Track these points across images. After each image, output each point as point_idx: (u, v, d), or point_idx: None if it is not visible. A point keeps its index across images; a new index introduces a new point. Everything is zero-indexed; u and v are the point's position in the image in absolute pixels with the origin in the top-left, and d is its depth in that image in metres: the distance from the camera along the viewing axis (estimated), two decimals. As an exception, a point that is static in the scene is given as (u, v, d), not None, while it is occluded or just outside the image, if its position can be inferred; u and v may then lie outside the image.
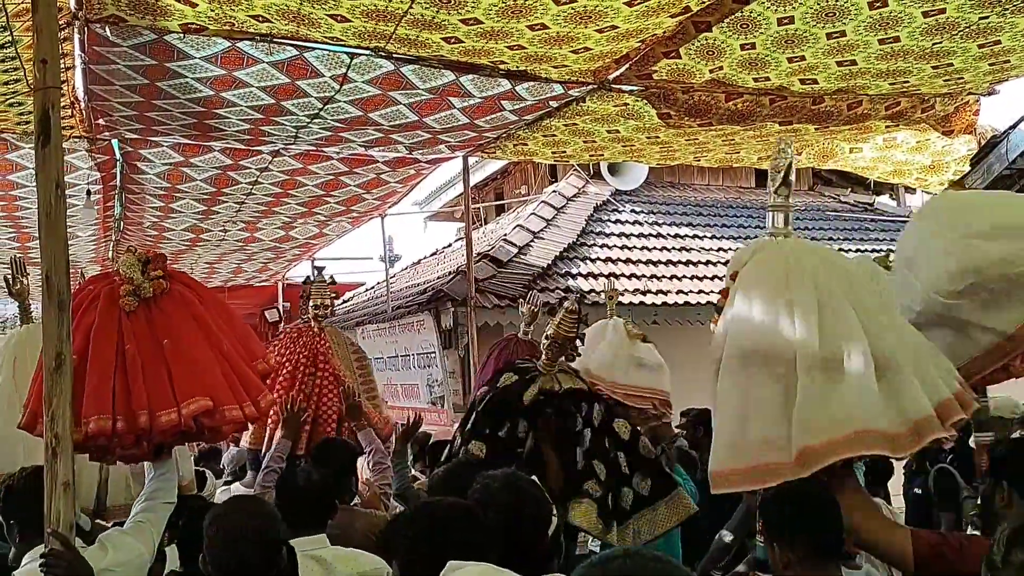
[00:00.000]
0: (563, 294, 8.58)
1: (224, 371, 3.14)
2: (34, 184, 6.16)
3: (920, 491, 5.31)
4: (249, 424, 3.30)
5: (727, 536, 4.45)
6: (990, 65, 4.45)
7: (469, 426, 3.83)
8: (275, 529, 2.58)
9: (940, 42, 4.07)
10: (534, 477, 2.88)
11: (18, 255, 5.27)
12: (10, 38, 3.71)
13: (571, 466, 3.74)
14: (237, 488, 6.03)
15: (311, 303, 5.12)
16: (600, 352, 5.22)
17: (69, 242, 2.79)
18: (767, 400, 2.65)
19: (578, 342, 3.87)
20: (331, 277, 5.35)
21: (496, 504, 2.58)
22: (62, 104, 2.97)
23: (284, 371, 4.90)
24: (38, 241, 2.75)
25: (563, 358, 3.85)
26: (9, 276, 5.01)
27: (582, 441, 3.74)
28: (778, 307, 2.70)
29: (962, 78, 4.66)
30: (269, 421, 4.81)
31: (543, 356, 3.87)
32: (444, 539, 2.27)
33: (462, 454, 3.70)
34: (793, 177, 3.00)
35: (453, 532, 2.31)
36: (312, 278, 5.32)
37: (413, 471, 5.42)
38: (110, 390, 2.90)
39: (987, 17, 3.81)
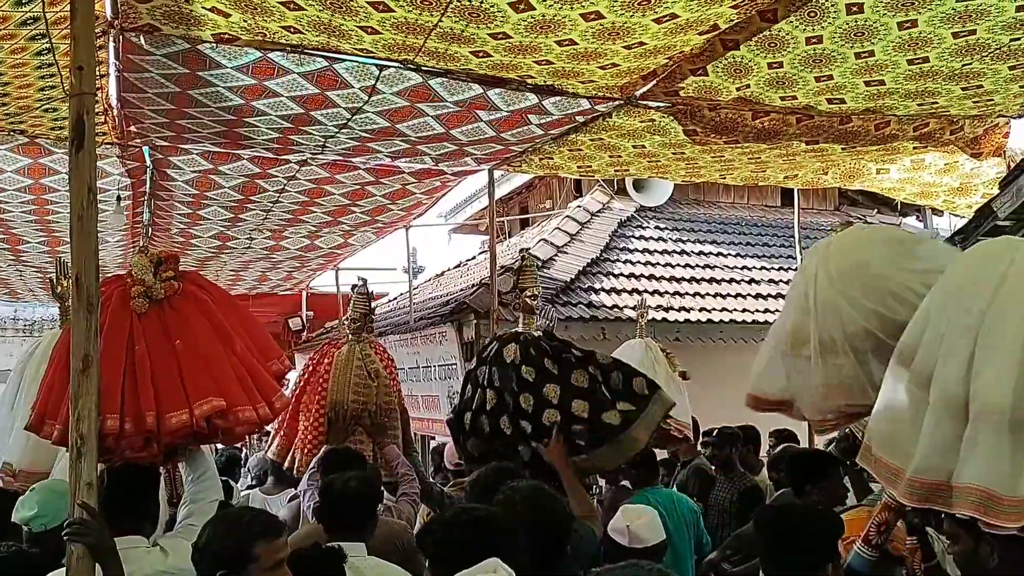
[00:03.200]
0: (586, 309, 8.58)
1: (238, 372, 3.12)
2: (65, 189, 6.30)
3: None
4: (263, 425, 3.30)
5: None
6: (1021, 87, 4.41)
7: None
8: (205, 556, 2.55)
9: (970, 63, 4.04)
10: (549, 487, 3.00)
11: (62, 257, 5.38)
12: (48, 45, 3.77)
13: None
14: (256, 496, 6.06)
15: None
16: None
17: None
18: None
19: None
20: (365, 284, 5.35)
21: (518, 517, 2.63)
22: (96, 110, 3.02)
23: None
24: (68, 245, 2.77)
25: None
26: (53, 278, 5.12)
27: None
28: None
29: (992, 100, 4.63)
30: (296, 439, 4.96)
31: (521, 316, 4.51)
32: (474, 545, 2.34)
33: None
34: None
35: (483, 539, 2.38)
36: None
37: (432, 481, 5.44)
38: (119, 391, 2.88)
39: (1018, 39, 3.79)
